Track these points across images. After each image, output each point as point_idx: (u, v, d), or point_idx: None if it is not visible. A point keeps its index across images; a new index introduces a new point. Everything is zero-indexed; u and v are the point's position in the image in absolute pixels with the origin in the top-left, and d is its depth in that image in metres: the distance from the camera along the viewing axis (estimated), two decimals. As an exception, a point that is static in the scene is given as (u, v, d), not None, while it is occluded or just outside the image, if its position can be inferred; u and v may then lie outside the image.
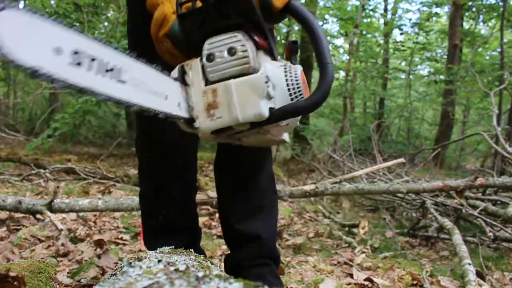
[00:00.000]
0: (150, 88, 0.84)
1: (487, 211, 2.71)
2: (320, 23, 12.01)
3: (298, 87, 0.94)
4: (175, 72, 0.98)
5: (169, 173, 1.38)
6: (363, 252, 2.31)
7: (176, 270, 0.63)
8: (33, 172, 4.11)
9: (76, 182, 4.11)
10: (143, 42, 1.20)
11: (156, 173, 1.39)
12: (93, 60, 0.72)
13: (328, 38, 12.25)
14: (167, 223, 1.43)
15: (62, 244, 1.91)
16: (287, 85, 0.94)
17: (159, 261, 0.79)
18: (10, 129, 6.64)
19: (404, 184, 3.08)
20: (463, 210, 2.71)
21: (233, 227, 1.42)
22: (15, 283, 0.82)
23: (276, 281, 1.42)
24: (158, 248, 1.09)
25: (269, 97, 0.92)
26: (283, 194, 2.75)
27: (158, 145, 1.35)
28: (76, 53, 0.69)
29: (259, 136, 1.00)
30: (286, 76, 0.94)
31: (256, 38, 0.94)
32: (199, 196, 2.71)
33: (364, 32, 11.99)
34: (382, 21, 13.42)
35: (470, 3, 9.83)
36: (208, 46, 0.94)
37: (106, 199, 2.53)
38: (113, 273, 0.97)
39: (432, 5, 11.68)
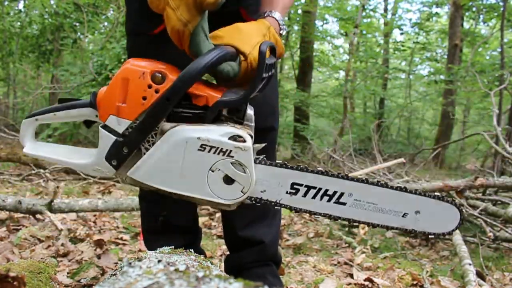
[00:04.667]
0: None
1: (487, 211, 2.71)
2: (320, 23, 12.04)
3: None
4: None
5: None
6: (363, 252, 2.31)
7: (176, 270, 0.63)
8: (33, 172, 4.11)
9: (76, 182, 4.11)
10: (140, 41, 1.20)
11: None
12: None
13: (328, 38, 12.27)
14: (167, 223, 1.43)
15: (62, 244, 1.91)
16: None
17: (159, 261, 0.79)
18: (10, 129, 6.62)
19: (404, 184, 3.08)
20: (463, 210, 2.70)
21: (236, 234, 1.42)
22: (15, 283, 0.81)
23: (276, 281, 1.42)
24: (158, 248, 1.08)
25: None
26: (283, 194, 2.74)
27: None
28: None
29: None
30: None
31: None
32: (199, 196, 2.71)
33: (364, 32, 11.99)
34: (382, 21, 13.43)
35: (470, 3, 9.82)
36: None
37: (106, 199, 2.53)
38: (113, 273, 0.97)
39: (432, 5, 11.68)
